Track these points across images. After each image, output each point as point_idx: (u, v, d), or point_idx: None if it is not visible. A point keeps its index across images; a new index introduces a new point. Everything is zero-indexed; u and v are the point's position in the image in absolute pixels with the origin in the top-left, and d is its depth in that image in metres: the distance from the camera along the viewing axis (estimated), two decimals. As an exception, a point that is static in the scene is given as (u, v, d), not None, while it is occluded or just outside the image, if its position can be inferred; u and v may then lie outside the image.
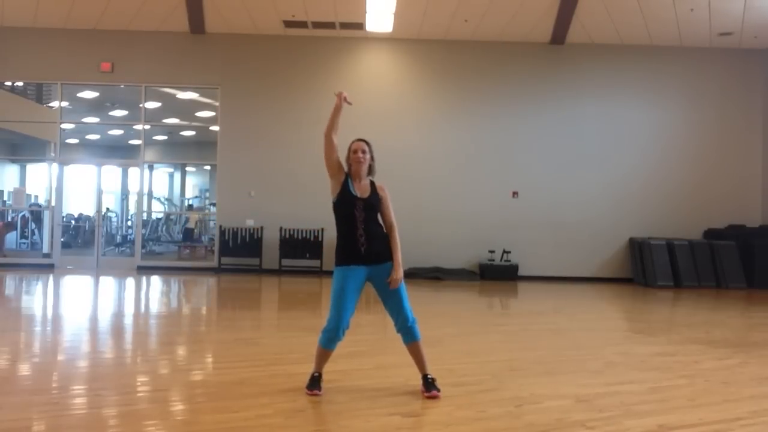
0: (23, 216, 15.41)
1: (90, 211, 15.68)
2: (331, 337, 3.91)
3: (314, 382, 3.96)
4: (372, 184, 4.10)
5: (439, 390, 3.94)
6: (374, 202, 4.02)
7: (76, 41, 12.76)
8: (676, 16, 11.99)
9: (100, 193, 14.09)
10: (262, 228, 12.54)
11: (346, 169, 4.08)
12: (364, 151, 4.05)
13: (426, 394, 3.92)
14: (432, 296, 9.99)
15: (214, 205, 14.08)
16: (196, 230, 16.09)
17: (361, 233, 3.94)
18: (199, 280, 11.47)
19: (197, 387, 4.21)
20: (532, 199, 12.78)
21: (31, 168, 17.62)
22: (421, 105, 12.88)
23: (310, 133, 12.73)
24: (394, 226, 4.08)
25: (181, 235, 15.53)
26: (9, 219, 15.35)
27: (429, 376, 4.00)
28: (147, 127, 13.29)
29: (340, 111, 4.03)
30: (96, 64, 12.77)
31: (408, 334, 3.98)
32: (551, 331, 6.91)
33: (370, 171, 4.11)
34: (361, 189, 4.03)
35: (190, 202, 18.65)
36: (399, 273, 3.96)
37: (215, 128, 13.16)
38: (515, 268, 12.51)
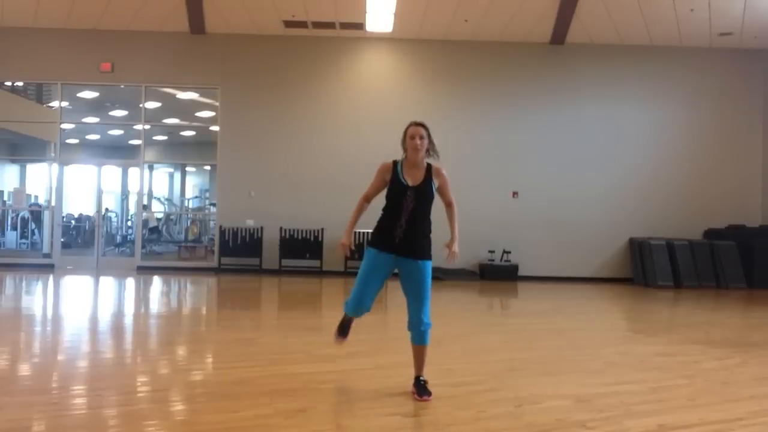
0: (23, 216, 15.41)
1: (90, 211, 15.68)
2: (352, 312, 4.02)
3: (344, 327, 4.15)
4: (428, 169, 3.96)
5: (430, 393, 3.88)
6: (427, 190, 3.90)
7: (76, 41, 12.76)
8: (676, 16, 11.99)
9: (100, 193, 14.09)
10: (262, 228, 12.54)
11: (402, 154, 3.98)
12: (422, 137, 3.92)
13: (417, 398, 3.86)
14: (432, 296, 9.97)
15: (214, 205, 14.08)
16: (160, 228, 15.90)
17: (401, 224, 3.86)
18: (199, 280, 11.47)
19: (197, 387, 4.21)
20: (532, 199, 12.78)
21: (31, 168, 17.60)
22: (420, 105, 12.85)
23: (311, 133, 12.78)
24: (453, 203, 4.08)
25: (147, 231, 15.07)
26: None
27: (422, 379, 3.97)
28: (147, 127, 13.29)
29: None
30: (96, 64, 12.77)
31: (418, 335, 3.94)
32: (551, 331, 6.90)
33: (429, 154, 3.99)
34: (413, 177, 3.90)
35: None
36: (455, 246, 3.98)
37: (215, 128, 13.16)
38: (515, 268, 12.50)
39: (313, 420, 3.55)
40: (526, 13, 12.02)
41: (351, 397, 3.92)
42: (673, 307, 9.72)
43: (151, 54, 12.84)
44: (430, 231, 4.01)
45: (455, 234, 4.01)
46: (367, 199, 4.03)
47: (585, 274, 12.70)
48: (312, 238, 12.44)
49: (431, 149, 4.00)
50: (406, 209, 3.86)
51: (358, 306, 3.94)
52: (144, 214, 14.00)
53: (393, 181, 3.91)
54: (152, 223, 15.47)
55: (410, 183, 3.89)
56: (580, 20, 12.22)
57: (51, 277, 11.21)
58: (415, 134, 3.91)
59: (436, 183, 3.96)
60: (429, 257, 3.97)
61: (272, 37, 12.88)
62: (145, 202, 14.61)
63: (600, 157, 12.87)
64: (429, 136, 3.97)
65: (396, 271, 3.99)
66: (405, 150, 3.96)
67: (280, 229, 12.42)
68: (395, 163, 3.98)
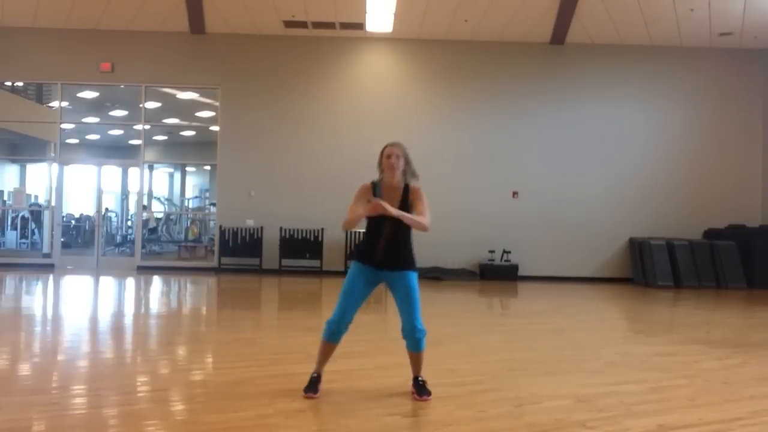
0: (23, 216, 15.41)
1: (90, 211, 15.68)
2: (333, 330, 3.87)
3: (312, 385, 3.90)
4: (405, 190, 3.91)
5: (430, 393, 3.90)
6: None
7: (76, 41, 12.77)
8: (676, 16, 11.99)
9: (100, 193, 14.09)
10: (262, 228, 12.54)
11: (378, 176, 3.95)
12: (398, 156, 3.89)
13: (417, 398, 3.88)
14: (432, 296, 9.99)
15: (214, 205, 14.08)
16: (160, 228, 15.89)
17: (382, 245, 3.87)
18: (199, 280, 11.47)
19: (197, 387, 4.21)
20: (532, 199, 12.78)
21: (31, 168, 17.61)
22: (421, 105, 12.88)
23: (310, 133, 12.78)
24: (427, 222, 3.82)
25: (147, 232, 14.91)
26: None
27: (420, 379, 3.97)
28: (147, 127, 13.29)
29: (363, 216, 3.81)
30: (96, 64, 12.78)
31: (413, 343, 3.93)
32: (551, 331, 6.90)
33: (407, 176, 3.94)
34: (390, 201, 3.80)
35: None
36: (389, 208, 3.62)
37: (215, 128, 13.16)
38: (515, 268, 12.51)
39: (313, 420, 3.55)
40: (526, 13, 12.02)
41: (351, 397, 3.92)
42: (673, 307, 9.72)
43: (151, 54, 12.84)
44: (411, 245, 3.99)
45: (403, 213, 3.74)
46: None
47: (585, 274, 12.70)
48: (312, 238, 12.44)
49: (408, 171, 3.96)
50: (385, 235, 3.87)
51: (341, 317, 3.84)
52: (144, 214, 14.01)
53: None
54: (152, 224, 15.50)
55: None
56: (580, 20, 12.22)
57: (51, 277, 11.21)
58: (391, 153, 3.90)
59: (411, 203, 3.88)
60: (413, 268, 3.96)
61: (272, 37, 12.88)
62: (145, 202, 14.61)
63: (600, 157, 12.87)
64: (406, 156, 3.94)
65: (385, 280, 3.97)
66: (381, 171, 3.95)
67: (280, 229, 12.42)
68: (374, 184, 3.96)
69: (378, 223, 3.87)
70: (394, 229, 3.86)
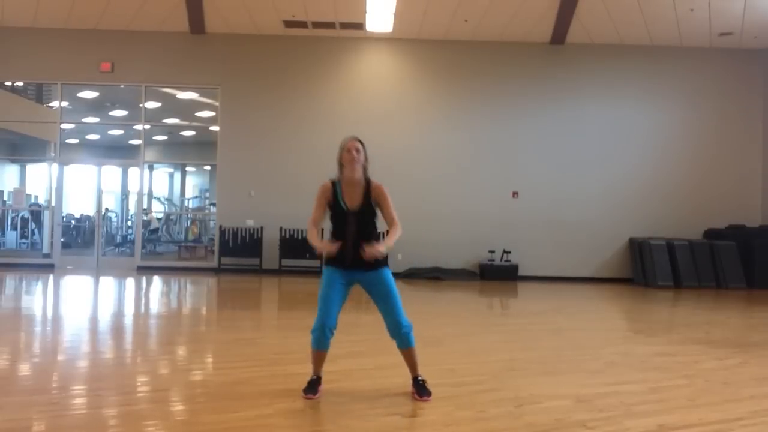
0: (23, 216, 15.42)
1: (90, 211, 15.68)
2: (318, 337, 3.81)
3: (311, 386, 3.88)
4: (367, 187, 3.88)
5: (430, 393, 3.88)
6: (366, 212, 3.84)
7: (76, 41, 12.77)
8: (676, 16, 11.99)
9: (100, 193, 14.09)
10: (262, 228, 12.54)
11: (337, 172, 3.91)
12: (357, 150, 3.84)
13: (417, 398, 3.86)
14: (432, 296, 9.99)
15: (214, 205, 14.08)
16: (160, 228, 15.91)
17: (350, 245, 3.83)
18: (199, 280, 11.47)
19: (197, 387, 4.21)
20: (532, 199, 12.78)
21: (31, 168, 17.62)
22: (421, 105, 12.88)
23: (311, 133, 12.78)
24: (397, 223, 3.88)
25: (147, 232, 14.82)
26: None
27: (420, 379, 3.95)
28: (147, 127, 13.30)
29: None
30: (96, 64, 12.78)
31: (401, 340, 3.90)
32: (551, 331, 6.90)
33: (366, 171, 3.91)
34: (352, 198, 3.83)
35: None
36: (379, 246, 3.71)
37: (215, 128, 13.17)
38: (515, 268, 12.50)
39: (313, 420, 3.55)
40: (526, 13, 12.02)
41: (351, 397, 3.92)
42: (673, 307, 9.72)
43: (151, 54, 12.85)
44: (378, 238, 3.95)
45: (388, 240, 3.82)
46: (315, 223, 3.95)
47: (585, 274, 12.70)
48: (312, 238, 12.42)
49: (367, 167, 3.92)
50: (350, 233, 3.84)
51: (323, 323, 3.78)
52: (146, 216, 14.02)
53: (333, 204, 3.87)
54: (154, 225, 15.52)
55: (349, 206, 3.83)
56: (580, 20, 12.22)
57: (51, 277, 11.21)
58: (351, 147, 3.85)
59: (375, 201, 3.87)
60: (384, 264, 3.92)
61: (272, 37, 12.88)
62: (145, 204, 14.60)
63: (600, 157, 12.87)
64: (365, 153, 3.90)
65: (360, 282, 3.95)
66: (341, 166, 3.89)
67: (280, 229, 12.42)
68: (334, 183, 3.91)
69: (341, 221, 3.85)
70: (358, 225, 3.84)
